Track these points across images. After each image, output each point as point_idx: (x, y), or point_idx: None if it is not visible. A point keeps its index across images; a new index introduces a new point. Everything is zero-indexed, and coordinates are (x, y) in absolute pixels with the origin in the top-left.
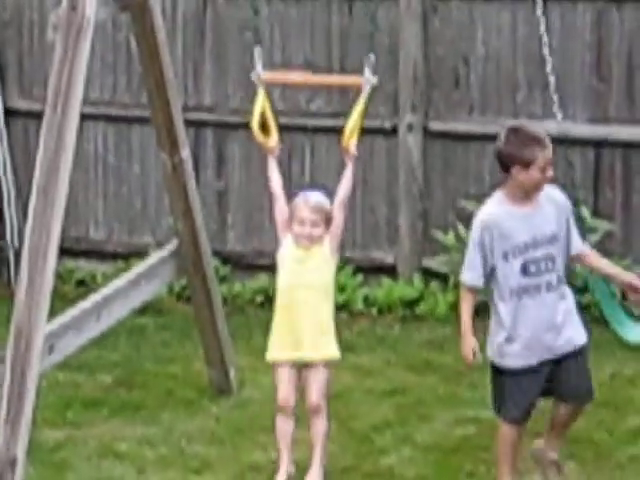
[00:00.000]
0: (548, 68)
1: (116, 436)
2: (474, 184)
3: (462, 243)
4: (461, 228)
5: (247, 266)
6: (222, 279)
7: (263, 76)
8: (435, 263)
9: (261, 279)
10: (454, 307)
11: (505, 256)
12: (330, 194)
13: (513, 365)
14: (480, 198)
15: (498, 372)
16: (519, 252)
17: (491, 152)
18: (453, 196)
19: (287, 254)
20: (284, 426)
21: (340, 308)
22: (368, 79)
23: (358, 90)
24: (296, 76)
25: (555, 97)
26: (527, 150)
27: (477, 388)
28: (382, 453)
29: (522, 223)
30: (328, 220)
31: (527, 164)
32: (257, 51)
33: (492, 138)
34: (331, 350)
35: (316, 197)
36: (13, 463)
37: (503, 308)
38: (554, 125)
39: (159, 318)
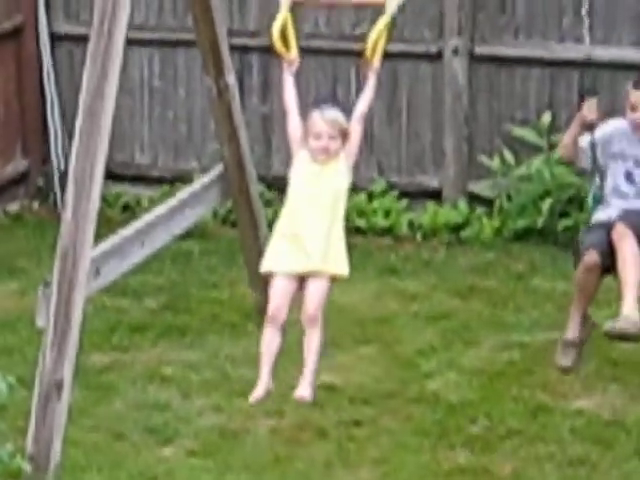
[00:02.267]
0: None
1: (161, 360)
2: (519, 108)
3: (507, 167)
4: (506, 152)
5: None
6: (267, 204)
7: None
8: (480, 187)
9: None
10: (499, 232)
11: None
12: (347, 111)
13: None
14: (525, 122)
15: None
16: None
17: (536, 76)
18: (498, 120)
19: (301, 169)
20: (272, 339)
21: (385, 233)
22: None
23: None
24: None
25: (587, 21)
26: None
27: (522, 313)
28: (427, 378)
29: None
30: (345, 135)
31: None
32: None
33: (538, 62)
34: (338, 266)
35: (332, 111)
36: (59, 386)
37: None
38: (599, 50)
39: (204, 243)
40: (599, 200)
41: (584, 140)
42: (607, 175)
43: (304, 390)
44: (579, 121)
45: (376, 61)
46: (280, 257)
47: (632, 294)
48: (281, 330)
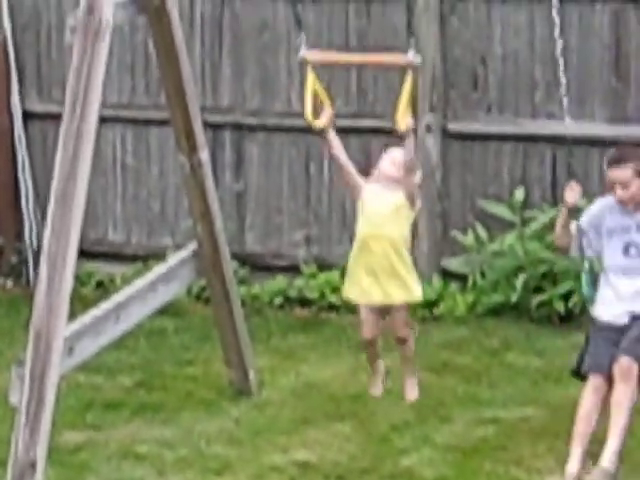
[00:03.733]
0: (561, 70)
1: (136, 438)
2: (493, 184)
3: (481, 243)
4: (480, 228)
5: (265, 268)
6: (241, 281)
7: (309, 56)
8: (454, 264)
9: (279, 281)
10: (473, 308)
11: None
12: None
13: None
14: (498, 198)
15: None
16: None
17: (509, 152)
18: (472, 196)
19: (367, 201)
20: (372, 350)
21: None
22: (412, 59)
23: (401, 69)
24: (340, 56)
25: (565, 99)
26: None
27: (496, 388)
28: (401, 454)
29: None
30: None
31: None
32: (302, 36)
33: (510, 138)
34: (407, 293)
35: (399, 155)
36: (33, 465)
37: None
38: (572, 125)
39: (178, 320)
40: (593, 283)
41: (573, 227)
42: (604, 254)
43: (412, 390)
44: (565, 208)
45: (410, 124)
46: (358, 288)
47: (614, 444)
48: (377, 344)
